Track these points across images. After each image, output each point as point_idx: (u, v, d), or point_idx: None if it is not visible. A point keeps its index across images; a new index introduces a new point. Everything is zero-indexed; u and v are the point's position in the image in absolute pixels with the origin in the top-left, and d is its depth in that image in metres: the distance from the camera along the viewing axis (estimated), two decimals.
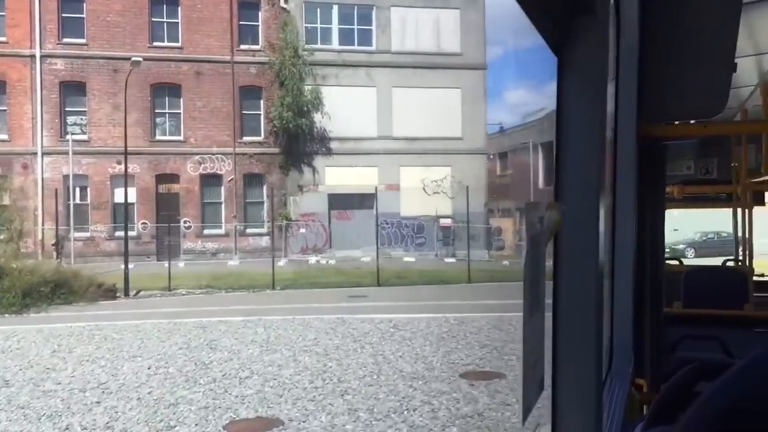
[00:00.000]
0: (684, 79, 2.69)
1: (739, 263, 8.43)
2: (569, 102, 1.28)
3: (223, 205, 30.80)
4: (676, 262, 9.18)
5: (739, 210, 7.78)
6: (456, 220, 30.27)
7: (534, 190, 35.68)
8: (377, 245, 24.08)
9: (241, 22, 30.99)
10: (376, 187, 28.44)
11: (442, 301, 17.41)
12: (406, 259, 28.28)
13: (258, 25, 31.28)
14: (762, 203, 7.68)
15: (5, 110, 28.64)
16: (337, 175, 31.29)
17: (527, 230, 1.02)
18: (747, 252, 7.12)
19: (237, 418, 7.62)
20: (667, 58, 2.62)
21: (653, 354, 3.67)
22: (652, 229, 3.43)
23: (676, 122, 3.21)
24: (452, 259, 28.33)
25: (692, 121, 3.23)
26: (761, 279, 7.38)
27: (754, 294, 6.65)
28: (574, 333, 1.30)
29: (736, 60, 5.37)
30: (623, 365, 2.87)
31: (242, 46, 30.88)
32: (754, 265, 7.07)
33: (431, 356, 10.72)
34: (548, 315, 1.26)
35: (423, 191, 31.80)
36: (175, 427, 7.38)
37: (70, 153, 28.24)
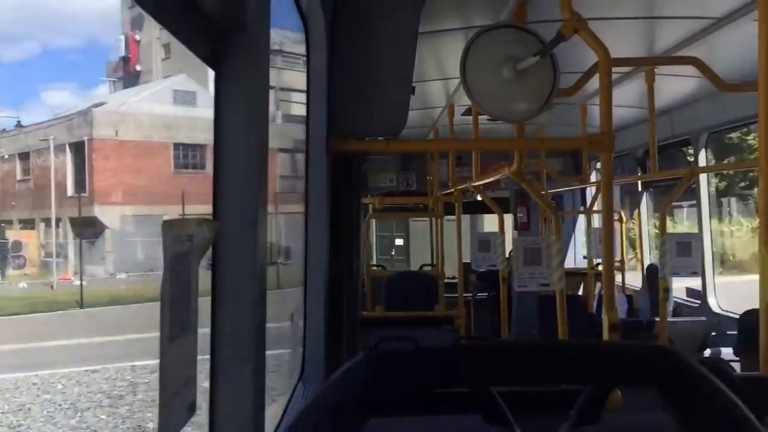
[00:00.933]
0: (370, 100, 2.87)
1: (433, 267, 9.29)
2: (226, 115, 1.27)
3: None
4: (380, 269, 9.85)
5: (434, 219, 8.56)
6: None
7: (60, 197, 33.35)
8: None
9: None
10: None
11: None
12: None
13: None
14: (452, 213, 8.51)
15: None
16: None
17: (165, 248, 0.97)
18: (439, 257, 7.85)
19: None
20: (354, 79, 2.78)
21: (349, 357, 3.85)
22: (347, 238, 3.60)
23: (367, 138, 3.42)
24: None
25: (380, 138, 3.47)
26: (451, 281, 8.17)
27: (445, 295, 7.35)
28: (235, 348, 1.29)
29: (426, 83, 5.94)
30: (314, 371, 2.97)
31: None
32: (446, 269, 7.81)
33: None
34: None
35: None
36: None
37: None
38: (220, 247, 1.27)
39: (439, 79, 5.74)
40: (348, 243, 3.56)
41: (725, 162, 6.77)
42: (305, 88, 2.76)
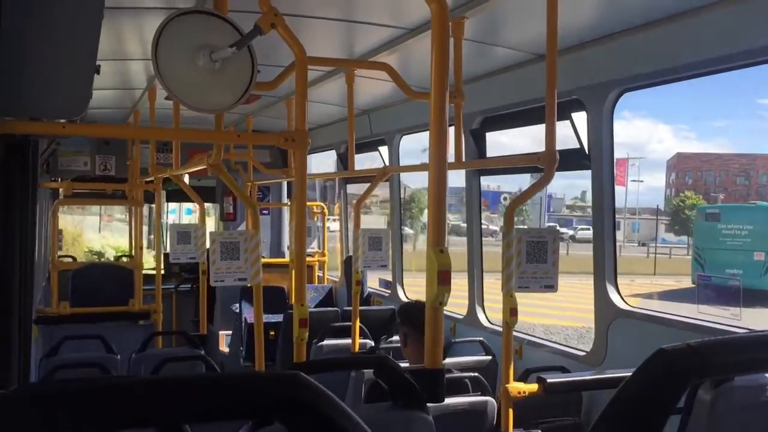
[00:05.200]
0: (44, 78, 2.56)
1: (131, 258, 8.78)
2: None
3: None
4: (70, 260, 9.04)
5: (133, 208, 8.07)
6: None
7: None
8: None
9: None
10: None
11: None
12: None
13: None
14: (152, 201, 8.11)
15: None
16: None
17: None
18: (137, 248, 7.42)
19: None
20: (24, 55, 2.45)
21: (22, 360, 3.44)
22: (21, 227, 3.20)
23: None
24: None
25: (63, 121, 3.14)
26: (149, 272, 7.78)
27: (144, 288, 6.96)
28: None
29: (127, 62, 5.55)
30: None
31: None
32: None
33: None
34: None
35: None
36: None
37: None
38: None
39: (140, 59, 5.39)
40: (21, 232, 3.16)
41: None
42: None
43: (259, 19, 2.85)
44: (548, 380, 3.36)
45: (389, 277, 7.27)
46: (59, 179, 8.23)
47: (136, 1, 3.94)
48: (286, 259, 8.58)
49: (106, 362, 4.67)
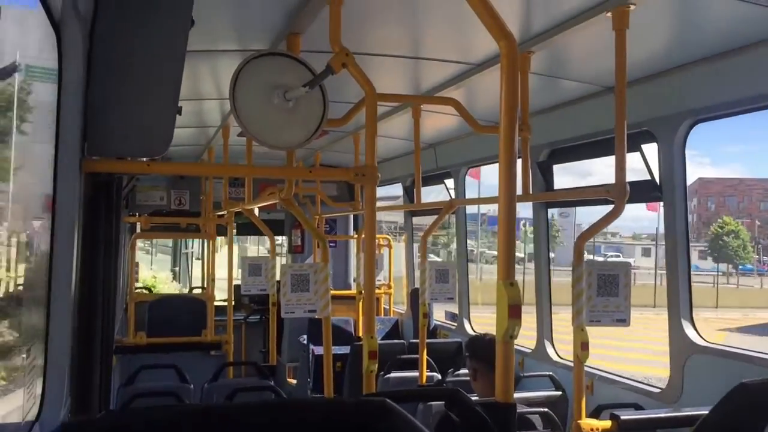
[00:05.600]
0: (129, 118, 2.71)
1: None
2: None
3: None
4: (146, 292, 9.36)
5: (206, 240, 8.31)
6: None
7: None
8: None
9: None
10: None
11: None
12: None
13: None
14: (225, 234, 8.34)
15: None
16: None
17: None
18: (210, 280, 7.63)
19: None
20: (113, 96, 2.60)
21: (103, 388, 3.58)
22: (103, 260, 3.35)
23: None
24: None
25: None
26: (221, 304, 7.98)
27: (216, 319, 7.15)
28: None
29: (202, 102, 5.78)
30: (54, 410, 2.70)
31: None
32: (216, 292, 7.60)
33: None
34: None
35: None
36: None
37: None
38: None
39: (215, 99, 5.61)
40: (104, 265, 3.32)
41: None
42: (56, 103, 2.53)
43: (330, 59, 2.95)
44: (622, 417, 3.28)
45: (455, 310, 7.24)
46: (137, 213, 8.57)
47: (213, 44, 4.13)
48: (353, 291, 8.66)
49: (180, 391, 4.80)
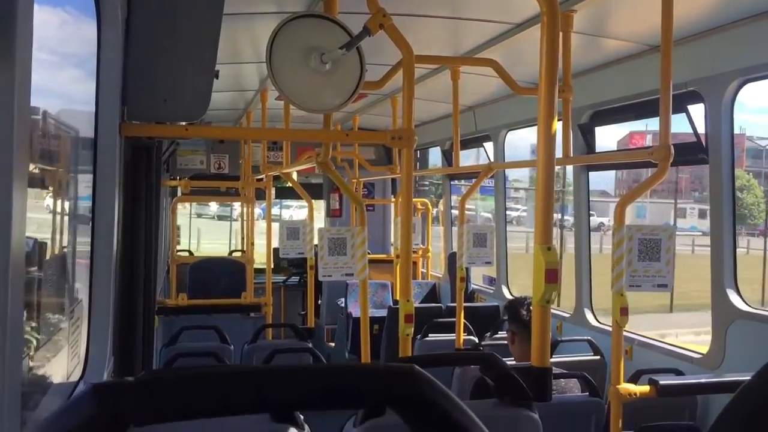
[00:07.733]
0: (167, 83, 2.73)
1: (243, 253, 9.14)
2: None
3: None
4: (187, 254, 9.52)
5: (245, 204, 8.40)
6: None
7: None
8: None
9: None
10: None
11: None
12: None
13: None
14: (263, 198, 8.41)
15: None
16: None
17: None
18: (249, 243, 7.72)
19: None
20: (151, 61, 2.62)
21: (146, 349, 3.66)
22: (147, 224, 3.41)
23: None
24: None
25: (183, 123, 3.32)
26: (260, 267, 8.08)
27: (255, 282, 7.25)
28: None
29: (241, 65, 5.78)
30: (98, 368, 2.78)
31: None
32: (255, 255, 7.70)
33: None
34: None
35: None
36: None
37: None
38: None
39: (253, 62, 5.60)
40: (146, 228, 3.37)
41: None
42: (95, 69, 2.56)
43: (368, 21, 2.91)
44: (661, 382, 3.25)
45: (493, 274, 7.22)
46: (178, 177, 8.69)
47: (249, 6, 4.11)
48: (391, 255, 8.68)
49: (220, 352, 4.90)
